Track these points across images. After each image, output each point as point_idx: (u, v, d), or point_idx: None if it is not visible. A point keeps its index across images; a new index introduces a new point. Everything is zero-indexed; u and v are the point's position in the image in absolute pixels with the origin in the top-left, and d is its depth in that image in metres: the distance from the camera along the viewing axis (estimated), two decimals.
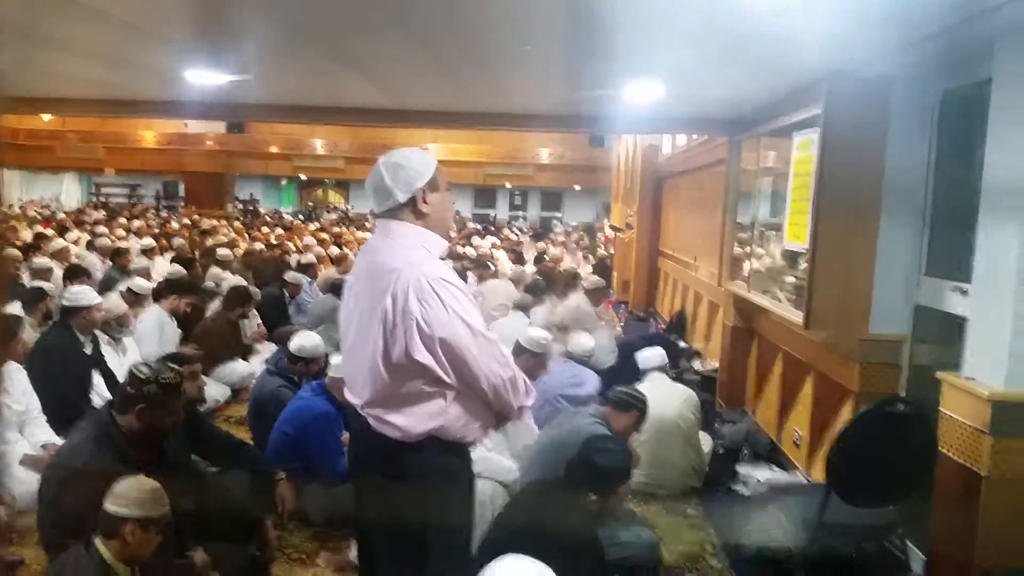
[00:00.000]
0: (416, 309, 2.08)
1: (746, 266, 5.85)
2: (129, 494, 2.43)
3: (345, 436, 4.11)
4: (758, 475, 4.61)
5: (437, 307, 2.09)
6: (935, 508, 3.08)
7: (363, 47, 4.10)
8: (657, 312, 10.33)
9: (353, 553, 3.47)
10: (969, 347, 2.94)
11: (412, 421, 2.15)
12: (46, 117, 20.40)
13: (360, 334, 2.20)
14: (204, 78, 4.91)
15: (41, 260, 7.64)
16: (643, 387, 4.17)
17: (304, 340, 4.60)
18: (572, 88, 5.17)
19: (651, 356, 4.86)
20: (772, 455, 5.05)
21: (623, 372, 5.29)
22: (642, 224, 10.77)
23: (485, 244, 13.78)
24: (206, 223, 15.25)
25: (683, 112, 5.90)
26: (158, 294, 6.18)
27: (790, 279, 4.85)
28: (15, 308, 5.56)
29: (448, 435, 2.18)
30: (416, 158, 2.26)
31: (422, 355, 2.10)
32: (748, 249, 5.85)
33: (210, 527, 3.07)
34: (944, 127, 3.60)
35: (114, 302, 5.42)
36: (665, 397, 4.50)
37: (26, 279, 7.14)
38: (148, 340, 5.66)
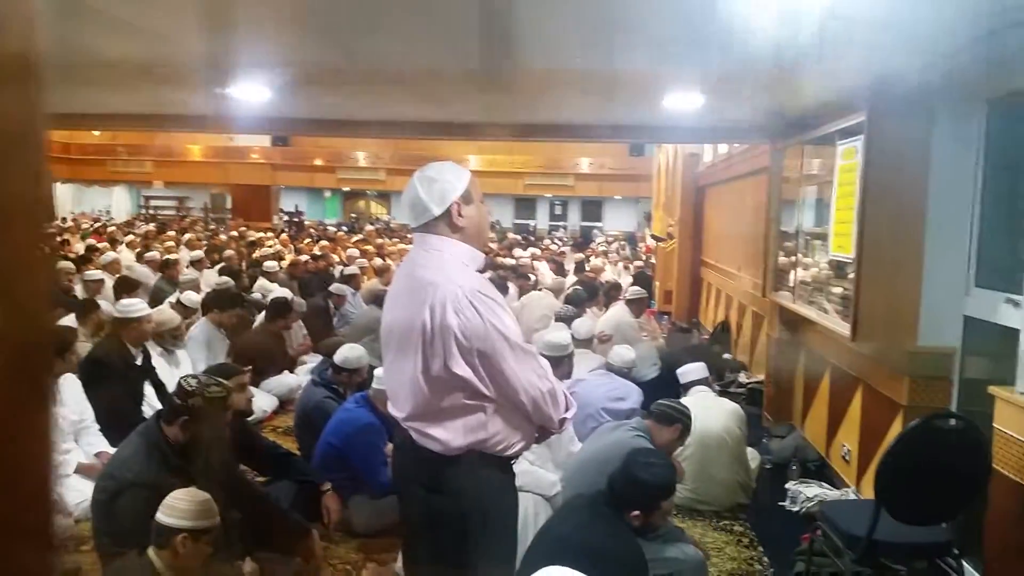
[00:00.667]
0: (454, 322, 2.09)
1: (791, 276, 5.78)
2: (181, 506, 2.48)
3: (389, 448, 4.15)
4: (807, 492, 4.53)
5: (475, 320, 2.10)
6: (989, 527, 2.99)
7: (404, 60, 4.15)
8: (700, 323, 10.25)
9: (398, 565, 3.50)
10: (1023, 361, 2.87)
11: (453, 435, 2.16)
12: (96, 132, 21.05)
13: (400, 348, 2.22)
14: (248, 93, 5.01)
15: (92, 272, 7.85)
16: (688, 401, 4.13)
17: (348, 352, 4.65)
18: (612, 99, 5.19)
19: (691, 370, 4.80)
20: (821, 471, 4.96)
21: (666, 385, 5.25)
22: (684, 233, 10.70)
23: (526, 255, 13.80)
24: (252, 235, 15.53)
25: (725, 120, 5.86)
26: (205, 308, 6.31)
27: (837, 289, 4.78)
28: (69, 320, 5.72)
29: (489, 448, 2.19)
30: (449, 171, 2.28)
31: (461, 368, 2.11)
32: (793, 259, 5.78)
33: (258, 537, 3.12)
34: (992, 134, 3.52)
35: (168, 315, 5.56)
36: (710, 411, 4.45)
37: (78, 291, 7.34)
38: (198, 352, 5.78)
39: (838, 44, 3.19)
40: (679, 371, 4.86)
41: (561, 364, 4.14)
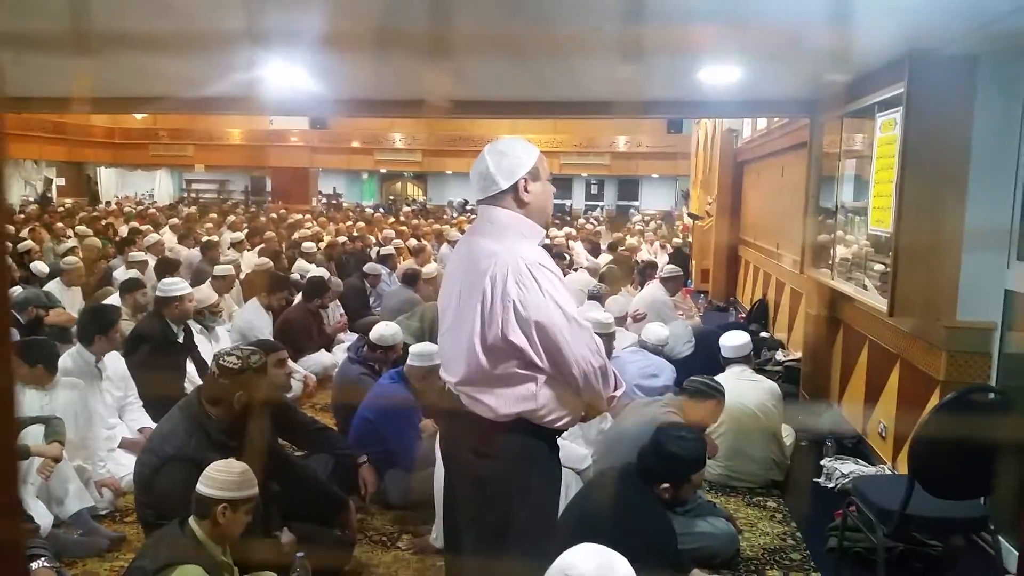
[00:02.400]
0: (514, 291, 2.14)
1: (830, 252, 5.69)
2: (221, 477, 2.55)
3: (425, 423, 4.21)
4: (842, 468, 4.49)
5: (534, 291, 2.14)
6: None
7: (437, 38, 4.15)
8: (738, 301, 10.15)
9: (433, 536, 3.56)
10: None
11: (503, 402, 2.21)
12: (139, 116, 21.44)
13: (459, 314, 2.28)
14: (287, 75, 5.06)
15: (136, 254, 8.04)
16: (723, 377, 4.12)
17: (383, 329, 4.72)
18: (648, 73, 5.13)
19: (737, 346, 4.68)
20: (857, 448, 4.92)
21: (701, 362, 5.23)
22: (721, 211, 10.58)
23: (561, 234, 13.77)
24: (292, 217, 15.72)
25: (762, 94, 5.77)
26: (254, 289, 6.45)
27: (876, 265, 4.70)
28: (113, 299, 5.88)
29: (537, 419, 2.23)
30: (520, 147, 2.34)
31: (517, 337, 2.15)
32: (832, 235, 5.69)
33: (296, 508, 3.20)
34: None
35: (205, 292, 5.68)
36: (745, 388, 4.42)
37: (121, 271, 7.53)
38: (248, 332, 5.90)
39: (876, 13, 3.12)
40: (723, 341, 4.75)
41: (604, 341, 4.13)
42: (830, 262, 5.64)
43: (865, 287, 4.82)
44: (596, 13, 3.60)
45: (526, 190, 2.29)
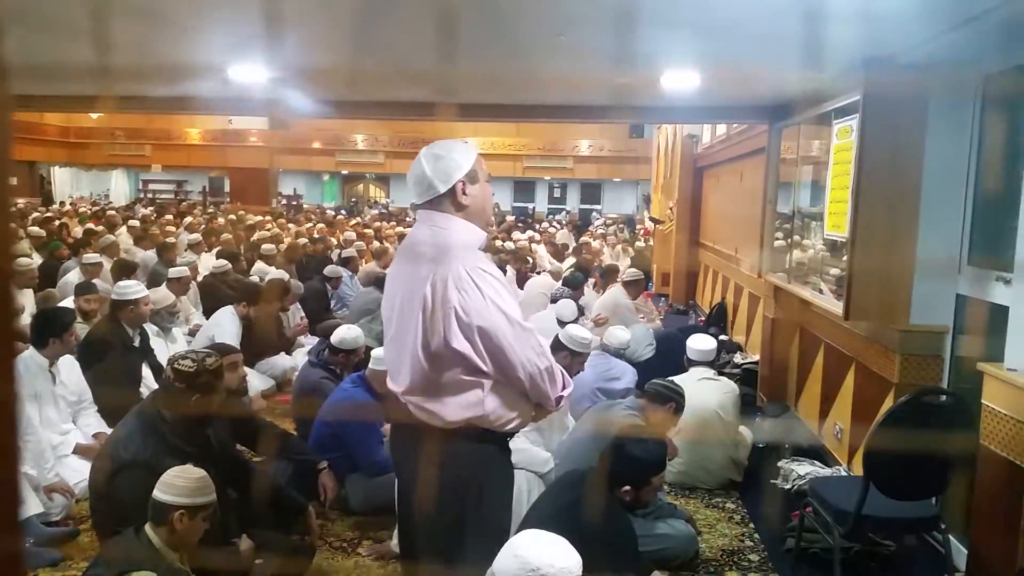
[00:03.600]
0: (455, 298, 2.12)
1: (787, 257, 5.79)
2: (177, 483, 2.51)
3: (386, 428, 4.18)
4: (799, 469, 4.56)
5: (475, 296, 2.13)
6: (976, 502, 3.03)
7: (398, 40, 4.14)
8: (697, 304, 10.27)
9: (394, 542, 3.54)
10: (1012, 338, 2.89)
11: (451, 409, 2.19)
12: (94, 115, 20.98)
13: (401, 322, 2.25)
14: (247, 75, 5.00)
15: (91, 256, 7.87)
16: (684, 378, 4.16)
17: (345, 333, 4.68)
18: (609, 78, 5.17)
19: (703, 350, 4.72)
20: (814, 450, 5.00)
21: (663, 365, 5.27)
22: (682, 215, 10.69)
23: (524, 238, 13.79)
24: (251, 218, 15.52)
25: (722, 100, 5.85)
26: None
27: (832, 269, 4.79)
28: (67, 301, 5.75)
29: (487, 424, 2.22)
30: (456, 150, 2.30)
31: (460, 343, 2.14)
32: (789, 240, 5.79)
33: (255, 514, 3.16)
34: (987, 113, 3.53)
35: (163, 294, 5.58)
36: (706, 389, 4.47)
37: (75, 273, 7.36)
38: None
39: (834, 21, 3.19)
40: (690, 343, 4.78)
41: (580, 358, 4.14)
42: (787, 266, 5.74)
43: (821, 291, 4.91)
44: (559, 19, 3.62)
45: (464, 193, 2.25)
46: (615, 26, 3.75)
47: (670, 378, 3.97)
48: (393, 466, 2.55)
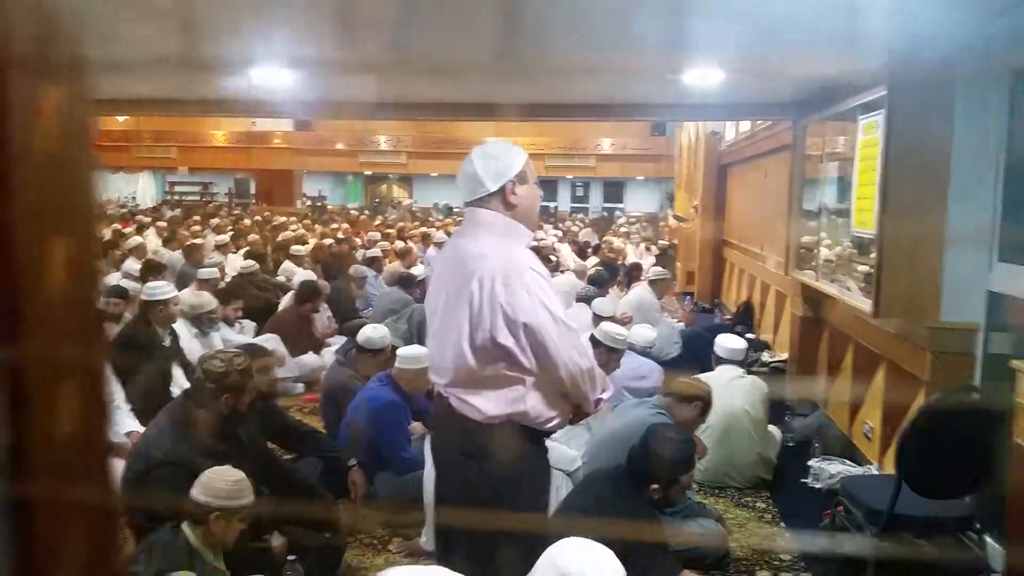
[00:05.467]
0: (502, 294, 2.15)
1: (814, 254, 5.74)
2: (216, 484, 2.54)
3: (414, 426, 4.21)
4: (829, 468, 4.53)
5: (522, 293, 2.16)
6: (1010, 501, 2.98)
7: (423, 39, 4.15)
8: (723, 303, 10.20)
9: (424, 539, 3.56)
10: None
11: (492, 404, 2.22)
12: (121, 118, 21.25)
13: (446, 317, 2.28)
14: (272, 76, 5.05)
15: (129, 263, 8.02)
16: (712, 376, 4.14)
17: (371, 332, 4.70)
18: (632, 76, 5.16)
19: (733, 348, 4.71)
20: (844, 449, 4.96)
21: (689, 363, 5.25)
22: (706, 213, 10.63)
23: (548, 237, 13.79)
24: (276, 219, 15.66)
25: (746, 97, 5.81)
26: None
27: (860, 267, 4.74)
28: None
29: (526, 421, 2.24)
30: (507, 150, 2.35)
31: (505, 339, 2.17)
32: (816, 237, 5.74)
33: (286, 512, 3.19)
34: (1016, 107, 3.48)
35: (206, 299, 5.66)
36: (734, 387, 4.45)
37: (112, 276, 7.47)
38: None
39: (858, 16, 3.16)
40: (719, 341, 4.76)
41: (616, 355, 4.15)
42: (814, 264, 5.69)
43: (849, 288, 4.86)
44: (582, 19, 3.62)
45: (513, 193, 2.30)
46: (637, 21, 3.75)
47: (697, 376, 3.95)
48: (424, 463, 2.57)
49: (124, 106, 7.83)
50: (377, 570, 3.49)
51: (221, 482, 2.55)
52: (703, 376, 4.08)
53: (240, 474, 2.61)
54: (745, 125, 8.65)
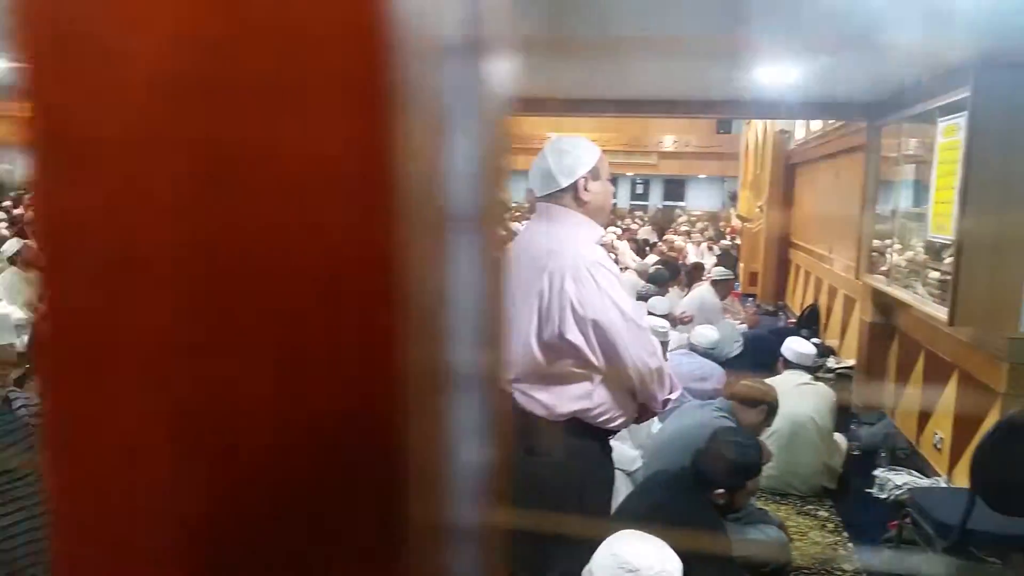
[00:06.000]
0: (571, 290, 2.14)
1: (886, 258, 5.58)
2: None
3: None
4: (896, 479, 4.41)
5: (592, 289, 2.15)
6: None
7: (490, 31, 4.16)
8: (787, 306, 10.01)
9: None
10: None
11: (558, 400, 2.22)
12: None
13: (515, 312, 2.29)
14: None
15: None
16: (778, 380, 4.07)
17: None
18: (702, 72, 5.08)
19: (803, 353, 4.62)
20: (911, 459, 4.82)
21: (751, 366, 5.17)
22: (772, 213, 10.43)
23: (607, 234, 13.70)
24: None
25: (819, 96, 5.68)
26: None
27: (934, 273, 4.60)
28: None
29: (592, 419, 2.23)
30: (581, 146, 2.34)
31: (574, 335, 2.16)
32: (888, 241, 5.58)
33: None
34: None
35: None
36: (801, 393, 4.35)
37: None
38: None
39: (939, 15, 3.06)
40: (788, 344, 4.67)
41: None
42: (886, 268, 5.53)
43: (922, 295, 4.72)
44: (651, 11, 3.58)
45: (586, 189, 2.28)
46: (707, 18, 3.69)
47: (764, 380, 3.88)
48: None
49: None
50: None
51: None
52: (771, 380, 4.01)
53: None
54: (816, 124, 8.45)
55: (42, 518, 2.12)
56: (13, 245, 7.04)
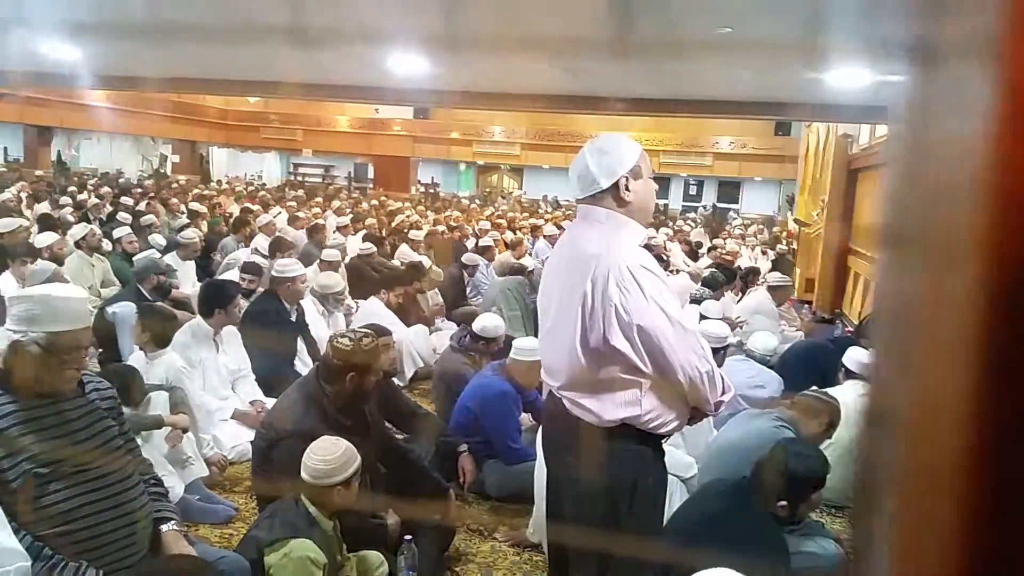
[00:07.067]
0: (615, 295, 2.08)
1: None
2: (309, 463, 2.60)
3: (523, 417, 4.21)
4: None
5: (636, 294, 2.08)
6: None
7: (554, 29, 4.13)
8: (844, 314, 9.78)
9: (530, 531, 3.56)
10: None
11: (607, 407, 2.16)
12: (252, 99, 22.25)
13: (559, 317, 2.24)
14: (402, 65, 5.15)
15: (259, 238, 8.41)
16: (839, 392, 3.96)
17: (487, 321, 4.75)
18: (767, 74, 4.99)
19: (865, 363, 4.47)
20: None
21: (809, 375, 5.04)
22: (832, 218, 10.19)
23: (659, 236, 13.56)
24: (392, 204, 16.04)
25: (888, 99, 5.53)
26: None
27: None
28: (231, 275, 6.12)
29: (642, 424, 2.17)
30: (621, 145, 2.27)
31: (619, 341, 2.10)
32: None
33: (400, 492, 3.25)
34: None
35: (334, 279, 5.85)
36: (862, 405, 4.23)
37: (243, 252, 7.81)
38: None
39: None
40: (849, 354, 4.57)
41: (715, 356, 4.01)
42: None
43: None
44: (714, 9, 3.52)
45: (627, 189, 2.20)
46: (785, 19, 3.62)
47: (826, 390, 3.78)
48: (533, 455, 2.55)
49: (255, 88, 8.18)
50: (483, 556, 3.52)
51: (331, 457, 2.60)
52: (831, 390, 3.90)
53: (342, 442, 2.65)
54: (882, 129, 8.22)
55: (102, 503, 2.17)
56: (80, 230, 7.23)
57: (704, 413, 2.32)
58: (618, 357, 2.12)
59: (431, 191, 25.93)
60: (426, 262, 7.79)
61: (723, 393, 2.27)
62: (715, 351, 3.95)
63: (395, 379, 5.77)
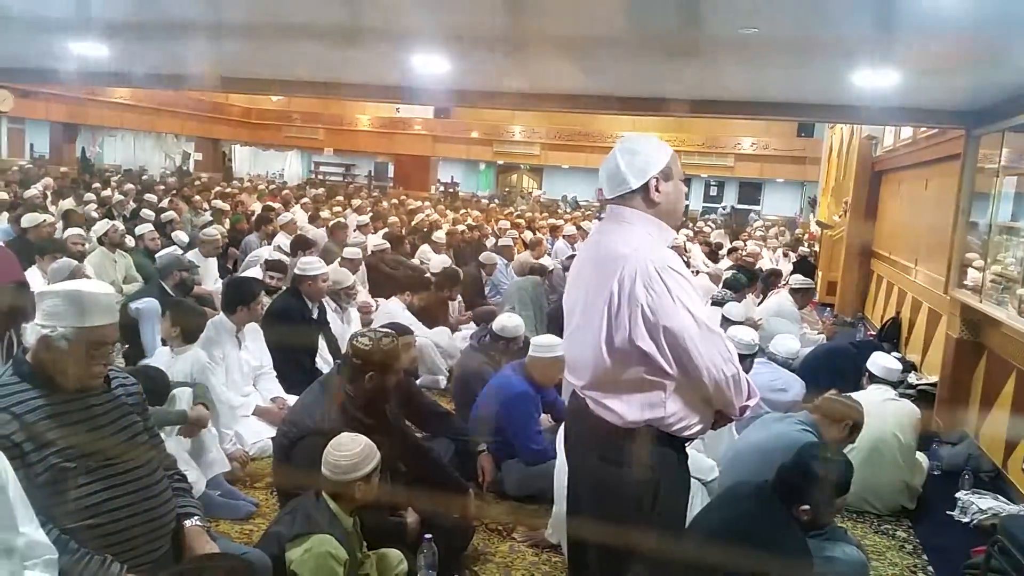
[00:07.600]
0: (642, 296, 2.07)
1: (977, 273, 5.35)
2: (330, 459, 2.61)
3: (543, 417, 4.21)
4: (980, 503, 4.22)
5: (663, 295, 2.07)
6: None
7: (579, 30, 4.11)
8: (866, 317, 9.69)
9: (549, 532, 3.56)
10: None
11: (630, 408, 2.16)
12: (275, 98, 22.38)
13: (585, 317, 2.24)
14: (423, 64, 5.16)
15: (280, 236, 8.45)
16: (862, 396, 3.93)
17: (507, 320, 4.75)
18: (793, 74, 4.95)
19: (889, 367, 4.45)
20: (996, 483, 4.61)
21: (830, 379, 5.00)
22: (854, 221, 10.10)
23: (679, 237, 13.51)
24: (411, 203, 16.08)
25: (915, 102, 5.47)
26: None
27: None
28: (255, 272, 6.16)
29: (666, 427, 2.17)
30: (652, 146, 2.26)
31: (645, 342, 2.09)
32: (984, 255, 5.35)
33: (421, 490, 3.25)
34: None
35: (344, 274, 5.86)
36: (886, 410, 4.17)
37: (266, 250, 7.85)
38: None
39: None
40: (873, 359, 4.51)
41: (744, 363, 4.00)
42: (979, 283, 5.30)
43: (1020, 312, 4.51)
44: (748, 12, 3.49)
45: (657, 190, 2.20)
46: (808, 19, 3.58)
47: (848, 394, 3.75)
48: (566, 459, 2.54)
49: (278, 86, 8.22)
50: (502, 556, 3.52)
51: (350, 453, 2.61)
52: (855, 395, 3.86)
53: (361, 439, 2.65)
54: (906, 131, 8.14)
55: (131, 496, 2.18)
56: (103, 226, 7.31)
57: (728, 418, 2.31)
58: (643, 358, 2.12)
59: (450, 190, 25.96)
60: (446, 260, 7.81)
61: (749, 398, 2.25)
62: (742, 357, 3.95)
63: (440, 379, 5.85)
